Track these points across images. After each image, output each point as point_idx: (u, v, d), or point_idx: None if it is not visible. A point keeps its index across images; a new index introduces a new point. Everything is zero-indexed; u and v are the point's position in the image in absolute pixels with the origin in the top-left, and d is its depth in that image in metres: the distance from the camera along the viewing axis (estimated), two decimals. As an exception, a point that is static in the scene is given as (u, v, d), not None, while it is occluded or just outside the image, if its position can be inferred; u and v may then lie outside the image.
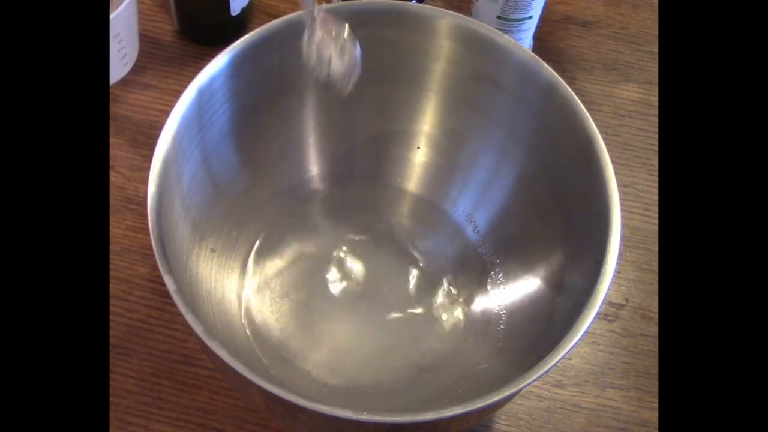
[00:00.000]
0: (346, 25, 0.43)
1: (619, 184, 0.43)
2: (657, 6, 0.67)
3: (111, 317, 0.51)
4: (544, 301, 0.48)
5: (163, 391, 0.50)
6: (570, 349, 0.38)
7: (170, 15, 0.63)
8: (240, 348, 0.48)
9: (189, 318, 0.37)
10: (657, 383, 0.51)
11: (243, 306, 0.50)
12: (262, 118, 0.50)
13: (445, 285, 0.52)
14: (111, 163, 0.57)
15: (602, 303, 0.39)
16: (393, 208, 0.55)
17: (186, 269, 0.45)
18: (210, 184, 0.48)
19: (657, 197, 0.58)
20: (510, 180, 0.51)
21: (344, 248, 0.53)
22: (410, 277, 0.53)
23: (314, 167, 0.54)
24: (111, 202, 0.55)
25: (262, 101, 0.49)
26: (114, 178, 0.56)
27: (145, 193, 0.40)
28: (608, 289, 0.40)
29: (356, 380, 0.49)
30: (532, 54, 0.46)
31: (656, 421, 0.50)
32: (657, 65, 0.64)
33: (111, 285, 0.52)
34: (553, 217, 0.48)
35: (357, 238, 0.54)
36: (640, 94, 0.63)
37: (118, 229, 0.55)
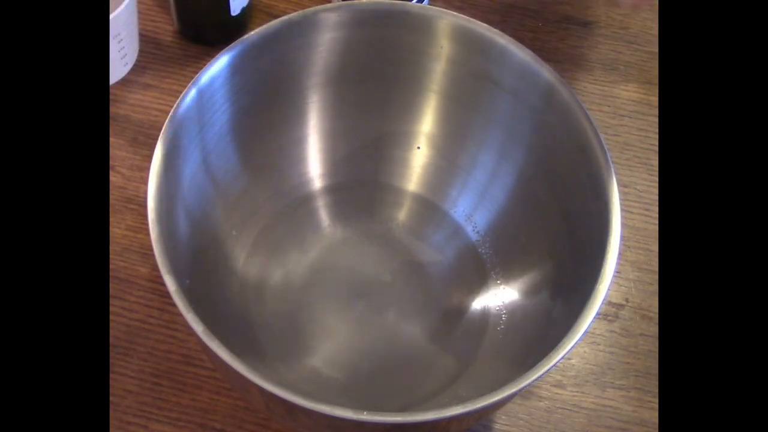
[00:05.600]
0: None
1: (619, 184, 0.43)
2: (657, 6, 0.67)
3: (111, 317, 0.51)
4: (544, 301, 0.48)
5: (163, 391, 0.50)
6: (570, 349, 0.38)
7: (170, 15, 0.63)
8: (240, 348, 0.48)
9: (189, 318, 0.37)
10: (657, 383, 0.51)
11: (243, 306, 0.50)
12: (263, 118, 0.50)
13: (445, 285, 0.52)
14: (111, 163, 0.57)
15: (602, 303, 0.39)
16: (393, 208, 0.55)
17: (186, 269, 0.45)
18: (210, 184, 0.48)
19: (657, 197, 0.58)
20: (510, 180, 0.51)
21: (344, 248, 0.53)
22: (410, 277, 0.53)
23: (314, 167, 0.54)
24: (111, 202, 0.55)
25: (263, 101, 0.49)
26: (114, 178, 0.56)
27: (145, 193, 0.40)
28: (608, 289, 0.40)
29: (356, 380, 0.49)
30: (532, 54, 0.46)
31: (656, 421, 0.50)
32: (657, 65, 0.64)
33: (111, 285, 0.52)
34: (552, 217, 0.48)
35: (357, 238, 0.54)
36: (640, 94, 0.63)
37: (118, 229, 0.55)
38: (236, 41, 0.45)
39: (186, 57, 0.62)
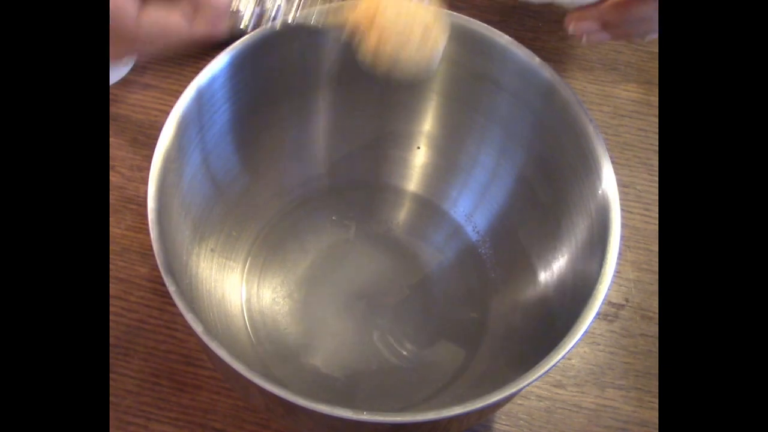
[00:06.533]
0: None
1: (619, 184, 0.43)
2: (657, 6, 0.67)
3: (111, 317, 0.51)
4: (544, 301, 0.48)
5: (163, 391, 0.50)
6: (570, 349, 0.38)
7: (170, 15, 0.63)
8: (240, 348, 0.48)
9: (189, 318, 0.37)
10: (657, 383, 0.51)
11: (243, 306, 0.50)
12: (262, 118, 0.50)
13: (445, 285, 0.52)
14: (111, 163, 0.57)
15: (602, 303, 0.39)
16: (393, 208, 0.55)
17: (186, 269, 0.45)
18: (210, 184, 0.48)
19: (657, 197, 0.58)
20: (510, 180, 0.51)
21: (344, 248, 0.53)
22: (410, 277, 0.53)
23: (314, 167, 0.54)
24: (111, 202, 0.55)
25: (262, 101, 0.49)
26: (114, 178, 0.56)
27: (145, 193, 0.40)
28: (608, 289, 0.40)
29: (356, 380, 0.49)
30: (532, 54, 0.46)
31: (656, 421, 0.50)
32: (657, 65, 0.64)
33: (111, 285, 0.52)
34: (552, 217, 0.48)
35: (357, 238, 0.54)
36: (640, 94, 0.63)
37: (118, 229, 0.55)
38: (236, 41, 0.45)
39: (186, 57, 0.62)
